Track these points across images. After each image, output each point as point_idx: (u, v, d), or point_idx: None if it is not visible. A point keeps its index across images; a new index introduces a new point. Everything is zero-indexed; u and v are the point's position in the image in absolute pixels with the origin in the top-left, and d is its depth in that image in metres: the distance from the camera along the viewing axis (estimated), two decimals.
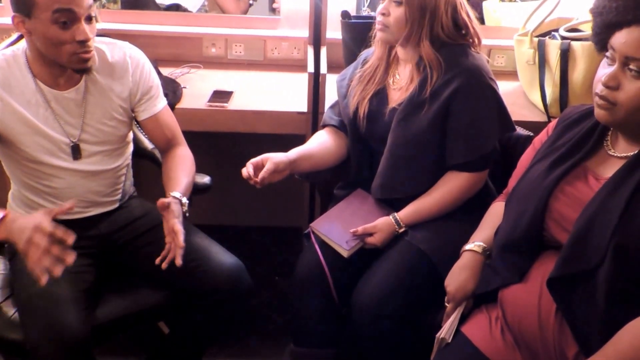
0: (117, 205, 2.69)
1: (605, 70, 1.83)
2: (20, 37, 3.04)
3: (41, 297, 2.27)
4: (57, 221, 2.54)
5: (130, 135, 2.72)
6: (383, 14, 2.50)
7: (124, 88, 2.54)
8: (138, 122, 2.68)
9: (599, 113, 1.86)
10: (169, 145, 2.69)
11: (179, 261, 2.28)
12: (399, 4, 2.46)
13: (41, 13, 2.23)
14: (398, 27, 2.49)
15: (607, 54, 1.84)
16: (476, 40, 2.56)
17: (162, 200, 2.35)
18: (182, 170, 2.59)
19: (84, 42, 2.31)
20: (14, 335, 2.32)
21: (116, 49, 2.55)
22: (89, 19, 2.31)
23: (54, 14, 2.23)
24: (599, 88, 1.83)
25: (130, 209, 2.71)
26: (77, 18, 2.26)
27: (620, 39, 1.78)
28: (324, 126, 2.86)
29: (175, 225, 2.32)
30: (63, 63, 2.37)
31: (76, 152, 2.50)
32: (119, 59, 2.54)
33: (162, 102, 2.66)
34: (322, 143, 2.74)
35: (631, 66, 1.76)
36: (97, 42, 2.51)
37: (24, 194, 2.57)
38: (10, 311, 2.39)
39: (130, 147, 2.75)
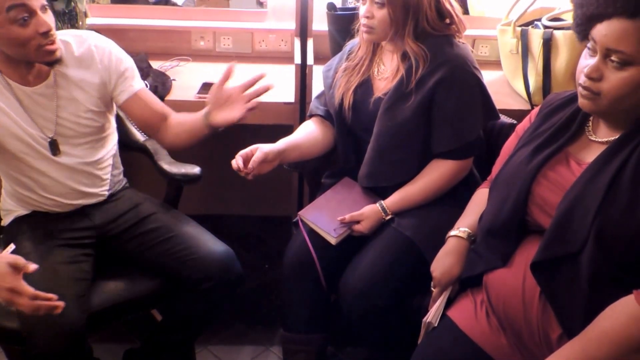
0: (106, 195, 2.69)
1: (587, 61, 1.83)
2: None
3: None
4: (51, 214, 2.58)
5: (112, 126, 2.72)
6: (367, 17, 2.51)
7: (94, 77, 2.52)
8: (121, 108, 2.66)
9: (583, 103, 1.86)
10: (163, 117, 2.67)
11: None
12: (382, 6, 2.47)
13: None
14: (383, 28, 2.50)
15: (589, 45, 1.84)
16: (461, 27, 2.56)
17: None
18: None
19: (47, 33, 2.29)
20: (11, 324, 2.34)
21: (82, 41, 2.53)
22: (44, 9, 2.29)
23: (9, 13, 2.21)
24: (581, 79, 1.83)
25: (123, 200, 2.73)
26: (33, 11, 2.25)
27: (601, 31, 1.78)
28: (310, 116, 2.87)
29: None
30: (31, 59, 2.37)
31: (54, 148, 2.50)
32: (85, 50, 2.51)
33: (139, 83, 2.63)
34: (309, 133, 2.76)
35: (613, 58, 1.76)
36: (63, 35, 2.51)
37: (14, 188, 2.58)
38: None
39: (113, 139, 2.74)
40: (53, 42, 2.34)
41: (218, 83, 2.52)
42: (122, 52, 2.62)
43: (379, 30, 2.52)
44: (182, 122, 2.64)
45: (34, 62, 2.40)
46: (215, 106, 2.54)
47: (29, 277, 2.16)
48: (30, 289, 2.10)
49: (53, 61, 2.39)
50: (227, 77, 2.51)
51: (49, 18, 2.31)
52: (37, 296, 2.11)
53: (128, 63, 2.61)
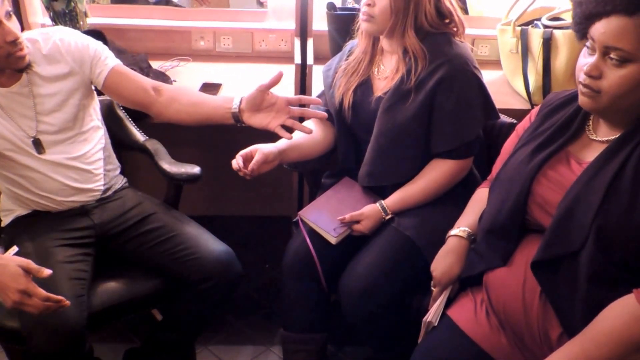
0: (102, 190, 2.68)
1: (586, 59, 1.83)
2: None
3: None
4: (51, 214, 2.58)
5: (95, 119, 2.69)
6: (368, 5, 2.50)
7: (64, 71, 2.53)
8: (106, 90, 2.64)
9: (583, 100, 1.86)
10: (152, 89, 2.65)
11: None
12: None
13: None
14: (383, 18, 2.49)
15: (587, 43, 1.84)
16: (460, 28, 2.56)
17: None
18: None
19: (14, 42, 2.30)
20: (11, 323, 2.35)
21: (48, 38, 2.52)
22: (8, 16, 2.29)
23: None
24: (581, 77, 1.83)
25: (123, 199, 2.72)
26: None
27: (599, 29, 1.78)
28: None
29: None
30: (1, 67, 2.37)
31: (38, 146, 2.50)
32: (52, 47, 2.51)
33: (114, 60, 2.63)
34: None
35: (612, 55, 1.76)
36: (31, 34, 2.51)
37: (10, 189, 2.58)
38: None
39: (99, 132, 2.72)
40: (22, 49, 2.35)
41: (265, 86, 2.50)
42: (87, 38, 2.61)
43: (379, 20, 2.50)
44: (196, 103, 2.65)
45: (4, 68, 2.40)
46: (253, 106, 2.53)
47: None
48: (42, 291, 2.11)
49: (23, 67, 2.40)
50: (275, 82, 2.49)
51: (14, 25, 2.31)
52: (49, 298, 2.12)
53: (95, 45, 2.60)
